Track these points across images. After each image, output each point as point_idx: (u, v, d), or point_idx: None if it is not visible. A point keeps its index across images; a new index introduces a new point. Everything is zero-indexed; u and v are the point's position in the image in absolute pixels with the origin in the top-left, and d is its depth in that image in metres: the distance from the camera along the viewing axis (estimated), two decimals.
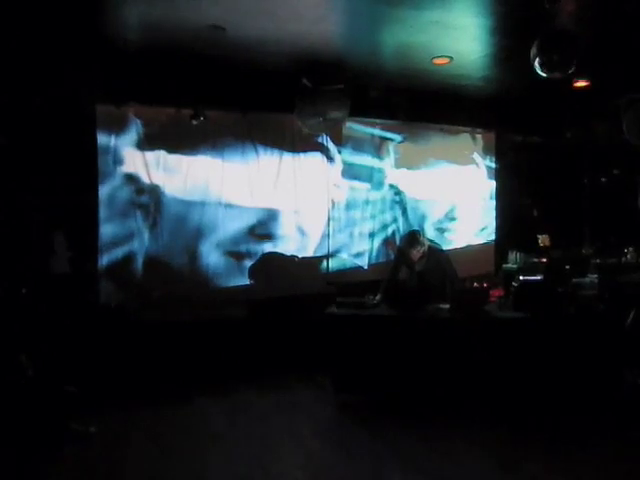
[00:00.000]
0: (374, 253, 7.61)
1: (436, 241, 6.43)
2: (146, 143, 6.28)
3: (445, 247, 6.61)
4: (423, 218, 7.95)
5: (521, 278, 5.98)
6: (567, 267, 6.32)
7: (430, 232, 7.77)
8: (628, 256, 7.81)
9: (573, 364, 5.23)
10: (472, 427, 4.92)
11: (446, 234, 8.13)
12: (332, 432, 5.06)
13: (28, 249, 5.80)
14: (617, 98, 7.15)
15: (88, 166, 6.02)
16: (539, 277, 6.21)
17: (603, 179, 8.95)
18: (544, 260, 7.30)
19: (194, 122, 6.24)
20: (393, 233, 7.75)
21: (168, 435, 4.84)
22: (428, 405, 5.32)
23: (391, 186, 7.74)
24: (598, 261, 7.37)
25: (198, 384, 6.04)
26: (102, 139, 6.10)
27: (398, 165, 7.76)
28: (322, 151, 7.22)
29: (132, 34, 5.35)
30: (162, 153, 6.35)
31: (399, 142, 7.76)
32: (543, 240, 8.37)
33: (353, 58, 6.06)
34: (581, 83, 6.73)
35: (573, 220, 8.65)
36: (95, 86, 5.82)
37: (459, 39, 5.52)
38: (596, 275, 6.41)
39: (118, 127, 6.16)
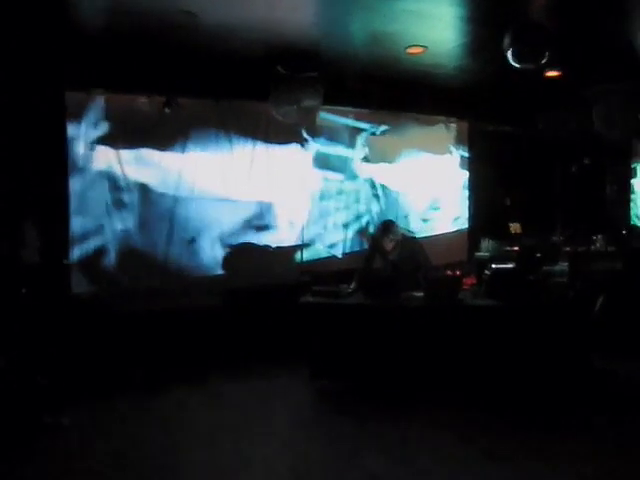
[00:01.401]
0: (348, 243, 7.63)
1: (414, 231, 6.47)
2: (117, 132, 6.18)
3: (419, 235, 6.65)
4: (398, 209, 7.98)
5: (493, 266, 6.04)
6: (538, 255, 6.40)
7: (406, 222, 7.82)
8: (597, 244, 7.97)
9: (544, 350, 5.33)
10: (445, 413, 4.98)
11: (428, 224, 8.18)
12: (308, 419, 5.08)
13: None
14: (588, 88, 7.25)
15: (58, 154, 5.92)
16: (511, 265, 6.29)
17: (574, 168, 9.09)
18: (516, 248, 7.40)
19: (166, 110, 6.17)
20: (367, 223, 7.78)
21: (143, 426, 4.81)
22: (403, 392, 5.37)
23: (365, 176, 7.75)
24: (568, 249, 7.50)
25: (173, 374, 6.01)
26: (72, 127, 5.99)
27: (372, 155, 7.78)
28: (296, 141, 7.19)
29: (102, 19, 5.21)
30: (133, 142, 6.26)
31: (374, 133, 7.78)
32: (514, 228, 8.49)
33: (327, 46, 6.02)
34: (552, 73, 6.79)
35: (544, 208, 8.78)
36: (64, 72, 5.71)
37: (433, 28, 5.51)
38: (566, 263, 6.51)
39: (88, 115, 6.05)
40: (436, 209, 8.37)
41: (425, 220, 8.27)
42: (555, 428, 4.64)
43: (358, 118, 7.65)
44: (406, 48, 6.04)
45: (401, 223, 7.17)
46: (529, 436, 4.48)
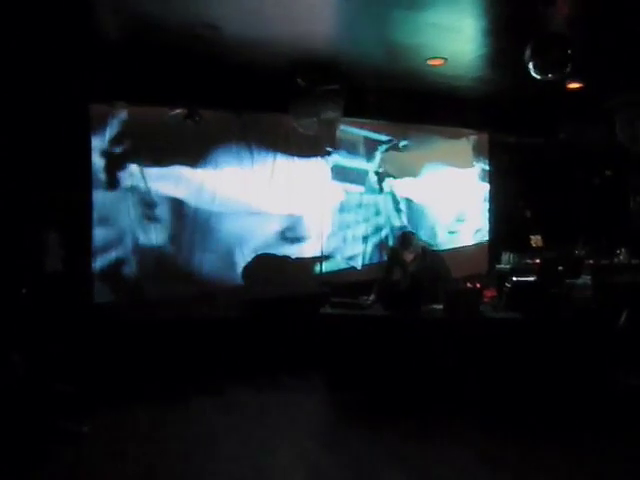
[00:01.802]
0: (368, 255, 7.62)
1: (434, 243, 6.43)
2: (140, 143, 6.26)
3: (440, 248, 6.62)
4: (419, 221, 7.95)
5: (514, 279, 5.99)
6: (560, 268, 6.33)
7: (426, 235, 7.80)
8: (620, 257, 7.85)
9: (566, 365, 5.25)
10: (465, 427, 4.92)
11: (448, 236, 8.14)
12: (326, 431, 5.06)
13: (22, 247, 5.77)
14: (610, 100, 7.19)
15: (82, 165, 6.00)
16: (532, 278, 6.23)
17: (596, 180, 8.99)
18: (537, 261, 7.32)
19: (188, 122, 6.23)
20: (387, 235, 7.76)
21: (162, 435, 4.82)
22: (422, 405, 5.32)
23: (386, 189, 7.74)
24: (591, 262, 7.40)
25: (192, 383, 6.02)
26: (96, 138, 6.08)
27: (394, 169, 7.77)
28: (317, 153, 7.21)
29: (127, 33, 5.33)
30: (156, 153, 6.33)
31: (395, 146, 7.77)
32: (536, 241, 8.42)
33: (348, 59, 6.06)
34: (575, 84, 6.75)
35: (566, 221, 8.68)
36: (88, 85, 5.80)
37: (454, 40, 5.54)
38: (589, 276, 6.43)
39: (112, 126, 6.14)
40: (457, 222, 8.31)
41: (446, 233, 8.21)
42: (578, 444, 4.56)
43: (378, 130, 7.65)
44: (426, 60, 6.05)
45: (422, 236, 7.15)
46: (549, 451, 4.41)
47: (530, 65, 4.53)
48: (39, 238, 5.89)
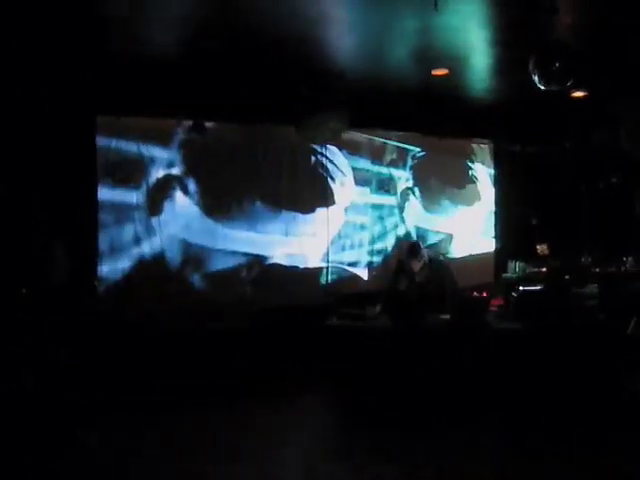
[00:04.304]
0: (374, 264, 7.60)
1: (441, 252, 6.43)
2: (146, 155, 6.29)
3: (447, 257, 6.61)
4: (426, 234, 7.95)
5: (521, 288, 5.97)
6: (567, 277, 6.30)
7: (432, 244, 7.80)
8: (627, 265, 7.82)
9: (574, 374, 5.22)
10: (474, 437, 4.90)
11: (459, 245, 8.14)
12: (333, 443, 5.03)
13: (28, 258, 5.79)
14: (615, 107, 7.18)
15: (88, 177, 6.03)
16: (539, 287, 6.21)
17: (601, 187, 8.97)
18: (543, 269, 7.30)
19: (193, 134, 6.26)
20: (394, 244, 7.74)
21: (169, 445, 4.81)
22: (429, 416, 5.29)
23: (392, 197, 7.74)
24: (598, 270, 7.37)
25: (198, 394, 6.01)
26: (102, 150, 6.10)
27: (400, 176, 7.77)
28: (322, 164, 7.22)
29: (132, 43, 5.34)
30: (162, 164, 6.36)
31: (405, 153, 7.77)
32: (542, 249, 8.38)
33: (354, 69, 6.06)
34: (579, 93, 6.75)
35: (572, 229, 8.66)
36: (95, 95, 5.83)
37: (458, 50, 5.54)
38: (596, 284, 6.40)
39: (118, 137, 6.17)
40: (463, 231, 8.30)
41: (452, 242, 8.20)
42: (587, 452, 4.53)
43: (385, 137, 7.65)
44: (431, 70, 6.06)
45: (428, 245, 7.14)
46: (557, 457, 4.38)
47: (534, 76, 4.53)
48: (45, 249, 5.92)
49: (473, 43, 5.40)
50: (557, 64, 4.42)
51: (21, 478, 4.16)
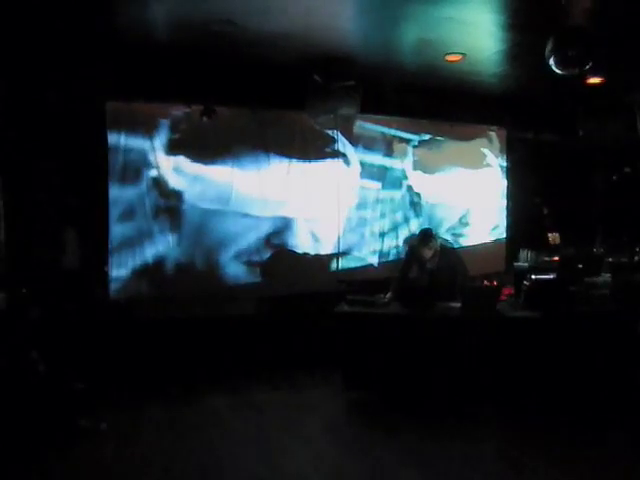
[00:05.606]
0: (385, 251, 7.57)
1: (452, 240, 6.37)
2: (156, 141, 6.27)
3: (457, 245, 6.55)
4: (438, 222, 7.88)
5: (533, 277, 5.92)
6: (580, 266, 6.24)
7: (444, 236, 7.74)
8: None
9: (585, 363, 5.19)
10: (482, 426, 4.89)
11: (460, 239, 8.07)
12: (342, 430, 5.04)
13: (39, 244, 5.81)
14: (630, 95, 7.08)
15: (99, 163, 6.01)
16: (550, 276, 6.16)
17: (615, 177, 8.87)
18: (555, 259, 7.24)
19: (204, 119, 6.23)
20: (405, 232, 7.70)
21: (178, 432, 4.84)
22: (438, 404, 5.28)
23: (404, 185, 7.69)
24: (610, 260, 7.30)
25: (208, 381, 6.03)
26: (112, 136, 6.09)
27: (411, 165, 7.71)
28: (333, 150, 7.18)
29: (143, 30, 5.31)
30: (172, 152, 6.34)
31: (412, 143, 7.70)
32: (553, 238, 8.31)
33: (365, 54, 6.02)
34: (595, 80, 6.65)
35: (584, 218, 8.58)
36: (105, 82, 5.81)
37: (472, 35, 5.49)
38: (609, 274, 6.34)
39: (128, 124, 6.15)
40: (474, 220, 8.23)
41: (464, 236, 8.14)
42: (598, 443, 4.50)
43: (396, 127, 7.59)
44: (445, 55, 6.00)
45: (440, 233, 7.09)
46: (569, 450, 4.37)
47: (551, 60, 4.47)
48: (57, 236, 5.93)
49: (488, 27, 5.31)
50: (574, 49, 4.36)
51: (27, 467, 4.19)
